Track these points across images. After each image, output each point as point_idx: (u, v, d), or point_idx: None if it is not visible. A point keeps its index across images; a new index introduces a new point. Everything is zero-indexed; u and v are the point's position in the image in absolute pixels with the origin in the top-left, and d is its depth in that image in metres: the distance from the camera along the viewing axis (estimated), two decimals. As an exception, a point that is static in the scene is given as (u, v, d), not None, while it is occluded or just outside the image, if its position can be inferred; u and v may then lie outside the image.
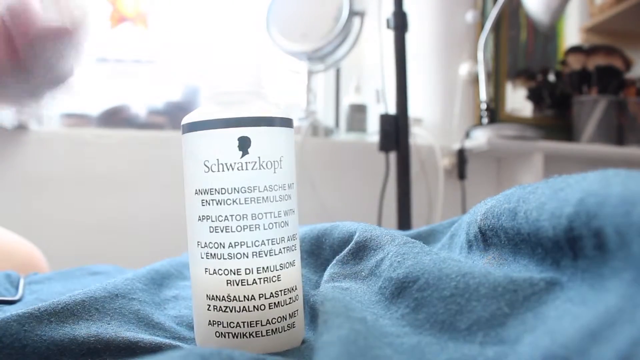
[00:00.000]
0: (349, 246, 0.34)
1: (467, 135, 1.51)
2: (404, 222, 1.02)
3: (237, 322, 0.28)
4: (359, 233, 0.35)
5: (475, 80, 1.58)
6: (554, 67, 1.80)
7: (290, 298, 0.29)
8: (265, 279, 0.28)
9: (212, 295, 0.28)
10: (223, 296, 0.28)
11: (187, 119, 0.29)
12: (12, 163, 1.23)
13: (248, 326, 0.28)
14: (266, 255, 0.28)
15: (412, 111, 1.20)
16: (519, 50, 1.76)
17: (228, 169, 0.28)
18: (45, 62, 0.34)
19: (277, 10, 1.39)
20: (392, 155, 1.09)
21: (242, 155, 0.28)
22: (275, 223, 0.28)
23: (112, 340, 0.29)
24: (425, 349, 0.22)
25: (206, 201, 0.28)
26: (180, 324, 0.34)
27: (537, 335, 0.19)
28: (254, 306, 0.28)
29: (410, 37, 1.07)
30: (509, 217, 0.27)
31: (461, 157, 1.47)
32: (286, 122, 0.29)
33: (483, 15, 1.64)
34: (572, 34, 1.86)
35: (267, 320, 0.28)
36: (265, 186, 0.28)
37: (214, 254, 0.28)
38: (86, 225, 1.25)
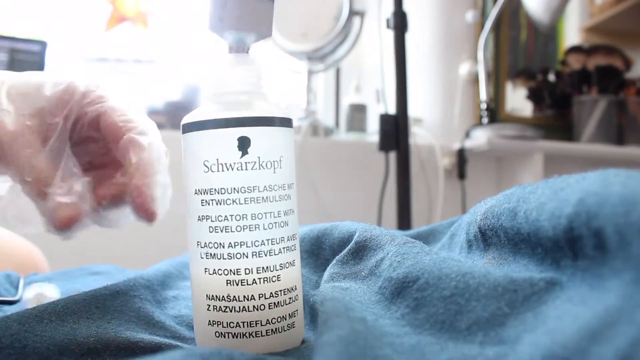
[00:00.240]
0: (349, 246, 0.34)
1: (467, 135, 1.51)
2: (404, 221, 1.02)
3: (237, 322, 0.28)
4: (359, 233, 0.34)
5: (475, 80, 1.58)
6: (554, 67, 1.80)
7: (290, 298, 0.29)
8: (265, 279, 0.28)
9: (212, 295, 0.28)
10: (223, 296, 0.28)
11: (186, 119, 0.29)
12: (12, 163, 1.23)
13: (248, 326, 0.28)
14: (266, 255, 0.28)
15: (412, 111, 1.20)
16: (519, 50, 1.76)
17: (228, 169, 0.28)
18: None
19: (277, 10, 1.39)
20: (392, 155, 1.09)
21: (242, 155, 0.28)
22: (275, 223, 0.28)
23: (112, 340, 0.29)
24: (425, 349, 0.22)
25: (206, 201, 0.28)
26: (180, 324, 0.34)
27: (537, 335, 0.19)
28: (254, 306, 0.28)
29: (410, 37, 1.07)
30: (508, 217, 0.27)
31: (461, 157, 1.47)
32: (286, 122, 0.29)
33: (483, 15, 1.64)
34: (572, 34, 1.86)
35: (267, 320, 0.28)
36: (265, 186, 0.28)
37: (214, 254, 0.28)
38: (86, 225, 1.25)
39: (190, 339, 0.31)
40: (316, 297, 0.31)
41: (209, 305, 0.28)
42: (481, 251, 0.31)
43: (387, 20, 1.07)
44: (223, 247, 0.28)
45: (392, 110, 1.07)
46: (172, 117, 1.47)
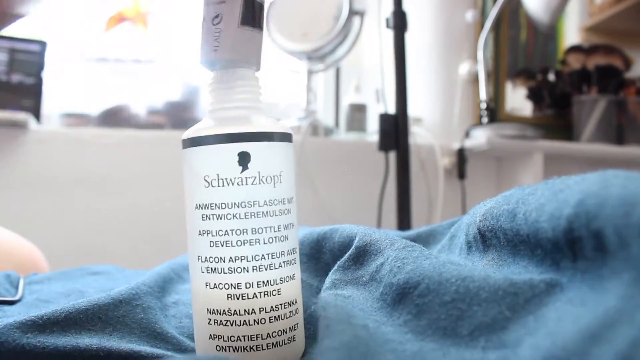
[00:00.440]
0: (350, 251, 0.34)
1: (467, 134, 1.51)
2: (404, 221, 1.02)
3: (238, 336, 0.28)
4: (359, 237, 0.34)
5: (475, 79, 1.58)
6: (553, 66, 1.80)
7: (290, 311, 0.29)
8: (266, 293, 0.28)
9: (213, 309, 0.28)
10: (224, 310, 0.28)
11: (186, 134, 0.29)
12: (12, 163, 1.23)
13: (249, 340, 0.28)
14: (266, 269, 0.28)
15: (412, 110, 1.20)
16: (518, 49, 1.76)
17: (228, 184, 0.28)
18: None
19: (277, 10, 1.39)
20: (392, 155, 1.09)
21: (242, 171, 0.28)
22: (275, 237, 0.28)
23: (114, 349, 0.29)
24: (427, 355, 0.22)
25: (206, 216, 0.28)
26: (182, 334, 0.34)
27: (537, 337, 0.19)
28: (255, 320, 0.28)
29: (409, 37, 1.07)
30: (508, 219, 0.27)
31: (461, 157, 1.47)
32: (285, 137, 0.29)
33: (483, 15, 1.64)
34: (571, 34, 1.86)
35: (268, 333, 0.28)
36: (265, 201, 0.28)
37: (215, 268, 0.28)
38: (86, 224, 1.25)
39: (193, 351, 0.32)
40: (318, 305, 0.31)
41: (210, 319, 0.28)
42: (481, 252, 0.30)
43: (387, 20, 1.07)
44: (224, 261, 0.28)
45: (391, 109, 1.07)
46: (172, 117, 1.47)
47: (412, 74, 1.10)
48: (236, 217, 0.28)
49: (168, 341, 0.32)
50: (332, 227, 0.39)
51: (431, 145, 1.47)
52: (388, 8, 1.08)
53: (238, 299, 0.28)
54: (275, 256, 0.28)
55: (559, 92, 1.71)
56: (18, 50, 1.26)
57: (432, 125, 1.57)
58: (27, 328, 0.29)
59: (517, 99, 1.76)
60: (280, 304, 0.29)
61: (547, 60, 1.82)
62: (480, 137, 1.46)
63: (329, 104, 1.68)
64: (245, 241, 0.28)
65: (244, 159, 0.28)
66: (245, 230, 0.28)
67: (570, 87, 1.69)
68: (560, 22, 1.81)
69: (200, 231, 0.28)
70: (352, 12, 1.40)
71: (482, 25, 1.59)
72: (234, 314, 0.28)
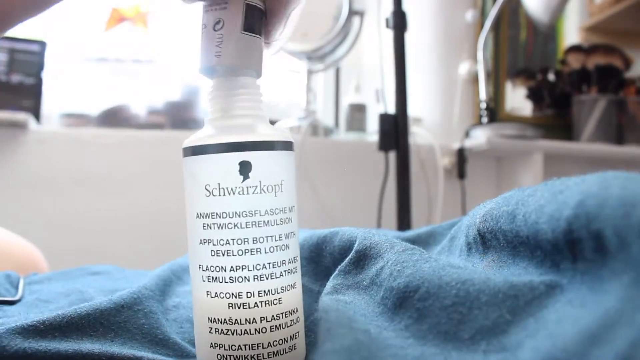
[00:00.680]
0: (350, 255, 0.34)
1: (466, 134, 1.51)
2: (404, 221, 1.02)
3: (239, 345, 0.28)
4: (359, 241, 0.34)
5: (474, 79, 1.58)
6: (553, 66, 1.80)
7: (291, 320, 0.29)
8: (267, 302, 0.28)
9: (214, 318, 0.28)
10: (225, 319, 0.28)
11: (187, 143, 0.29)
12: (11, 163, 1.24)
13: (250, 349, 0.28)
14: (267, 278, 0.28)
15: (412, 110, 1.20)
16: (518, 49, 1.76)
17: (229, 194, 0.28)
18: None
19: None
20: (392, 155, 1.09)
21: (243, 180, 0.28)
22: (276, 246, 0.28)
23: (116, 354, 0.29)
24: (429, 359, 0.22)
25: (207, 225, 0.28)
26: (183, 340, 0.34)
27: (538, 339, 0.19)
28: (256, 329, 0.28)
29: (409, 37, 1.07)
30: (507, 220, 0.27)
31: (461, 157, 1.47)
32: (287, 146, 0.29)
33: (483, 15, 1.64)
34: (571, 33, 1.85)
35: (269, 342, 0.28)
36: (266, 210, 0.28)
37: (216, 278, 0.28)
38: (86, 225, 1.25)
39: (194, 357, 0.32)
40: (318, 309, 0.31)
41: (211, 328, 0.28)
42: (480, 254, 0.30)
43: (387, 20, 1.07)
44: (225, 270, 0.28)
45: (391, 109, 1.07)
46: (172, 117, 1.47)
47: (412, 74, 1.11)
48: (237, 227, 0.28)
49: (170, 347, 0.32)
50: (332, 230, 0.39)
51: (431, 145, 1.47)
52: (388, 8, 1.08)
53: (239, 308, 0.28)
54: (276, 265, 0.28)
55: (558, 92, 1.71)
56: (18, 51, 1.26)
57: (432, 125, 1.57)
58: (29, 333, 0.29)
59: (517, 99, 1.76)
60: (281, 313, 0.29)
61: (547, 60, 1.82)
62: (480, 137, 1.46)
63: (328, 104, 1.68)
64: (247, 250, 0.28)
65: (245, 169, 0.28)
66: (246, 240, 0.28)
67: (570, 86, 1.69)
68: (560, 22, 1.81)
69: (201, 240, 0.28)
70: (352, 12, 1.40)
71: (481, 25, 1.59)
72: (235, 323, 0.28)
